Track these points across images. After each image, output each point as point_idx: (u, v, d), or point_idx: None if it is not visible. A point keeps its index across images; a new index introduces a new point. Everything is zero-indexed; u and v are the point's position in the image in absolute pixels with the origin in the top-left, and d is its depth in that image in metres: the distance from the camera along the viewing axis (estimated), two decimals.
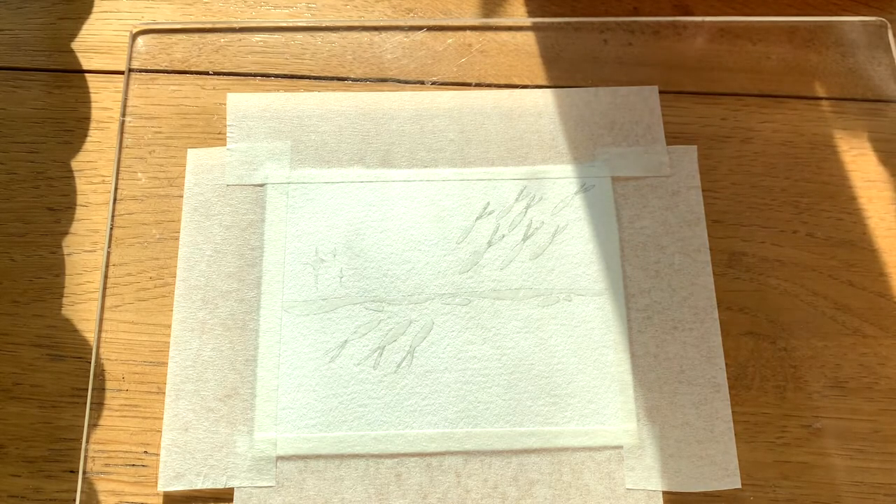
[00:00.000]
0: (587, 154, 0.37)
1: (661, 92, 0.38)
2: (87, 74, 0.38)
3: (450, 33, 0.39)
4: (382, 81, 0.38)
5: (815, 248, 0.35)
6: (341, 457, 0.32)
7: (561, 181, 0.36)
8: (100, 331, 0.33)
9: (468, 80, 0.38)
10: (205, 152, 0.36)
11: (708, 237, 0.35)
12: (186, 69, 0.38)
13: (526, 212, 0.35)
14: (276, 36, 0.39)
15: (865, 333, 0.34)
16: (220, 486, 0.31)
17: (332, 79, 0.38)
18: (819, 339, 0.34)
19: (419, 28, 0.39)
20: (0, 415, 0.32)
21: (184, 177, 0.36)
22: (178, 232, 0.35)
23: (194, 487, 0.31)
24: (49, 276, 0.34)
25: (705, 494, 0.31)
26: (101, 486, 0.31)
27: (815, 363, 0.34)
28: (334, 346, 0.33)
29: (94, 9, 0.39)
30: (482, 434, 0.32)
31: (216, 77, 0.38)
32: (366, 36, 0.39)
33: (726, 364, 0.33)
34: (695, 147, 0.37)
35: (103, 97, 0.37)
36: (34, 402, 0.32)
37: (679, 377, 0.33)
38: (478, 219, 0.35)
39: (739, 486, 0.31)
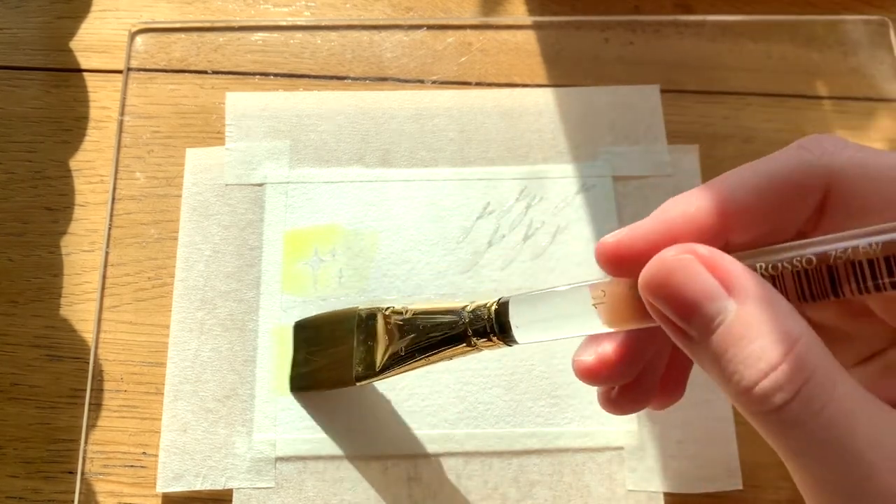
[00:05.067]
0: (588, 153, 0.36)
1: (662, 91, 0.38)
2: (85, 73, 0.38)
3: (450, 32, 0.39)
4: (382, 80, 0.38)
5: None
6: (341, 457, 0.31)
7: (562, 181, 0.36)
8: (98, 331, 0.33)
9: (468, 80, 0.38)
10: (203, 152, 0.36)
11: None
12: (185, 68, 0.38)
13: (526, 211, 0.35)
14: (276, 35, 0.39)
15: None
16: (219, 487, 0.31)
17: (331, 78, 0.38)
18: None
19: (419, 27, 0.39)
20: None
21: (182, 176, 0.36)
22: (177, 232, 0.35)
23: (193, 488, 0.31)
24: (47, 276, 0.34)
25: (707, 495, 0.31)
26: (99, 486, 0.31)
27: None
28: None
29: (93, 8, 0.39)
30: (482, 435, 0.32)
31: (215, 76, 0.38)
32: (365, 35, 0.39)
33: None
34: (696, 146, 0.37)
35: (102, 96, 0.37)
36: (32, 403, 0.32)
37: None
38: (478, 219, 0.35)
39: (741, 486, 0.31)
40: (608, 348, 0.23)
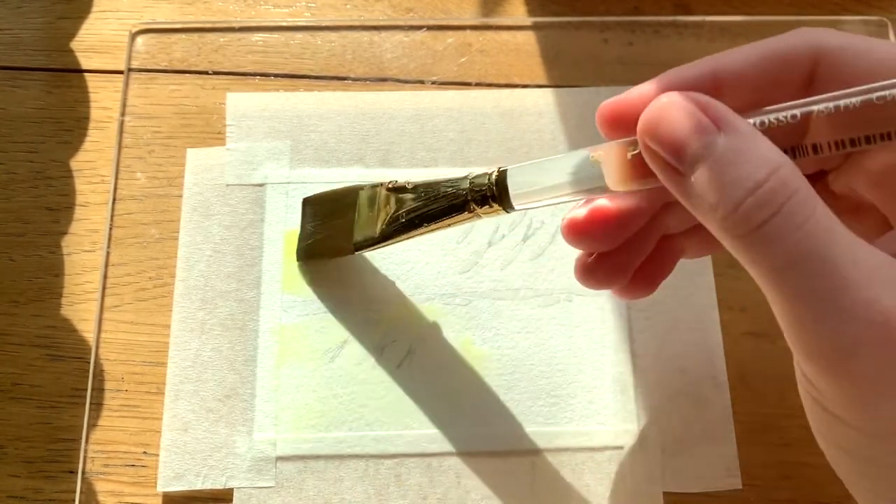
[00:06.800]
0: None
1: None
2: (86, 74, 0.38)
3: (450, 33, 0.39)
4: (382, 81, 0.38)
5: None
6: (341, 457, 0.32)
7: None
8: (99, 331, 0.33)
9: (468, 80, 0.38)
10: (204, 152, 0.36)
11: None
12: (186, 69, 0.38)
13: (526, 211, 0.35)
14: (276, 35, 0.39)
15: None
16: (219, 486, 0.31)
17: (331, 78, 0.38)
18: None
19: (419, 27, 0.39)
20: None
21: (183, 176, 0.36)
22: (178, 232, 0.35)
23: (194, 488, 0.31)
24: (48, 276, 0.34)
25: (706, 495, 0.31)
26: (100, 486, 0.31)
27: None
28: (334, 346, 0.33)
29: (94, 8, 0.39)
30: (482, 434, 0.32)
31: (216, 76, 0.38)
32: (365, 35, 0.39)
33: (727, 364, 0.33)
34: None
35: (102, 97, 0.37)
36: (33, 403, 0.32)
37: (679, 377, 0.33)
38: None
39: (740, 486, 0.31)
40: (602, 203, 0.25)
